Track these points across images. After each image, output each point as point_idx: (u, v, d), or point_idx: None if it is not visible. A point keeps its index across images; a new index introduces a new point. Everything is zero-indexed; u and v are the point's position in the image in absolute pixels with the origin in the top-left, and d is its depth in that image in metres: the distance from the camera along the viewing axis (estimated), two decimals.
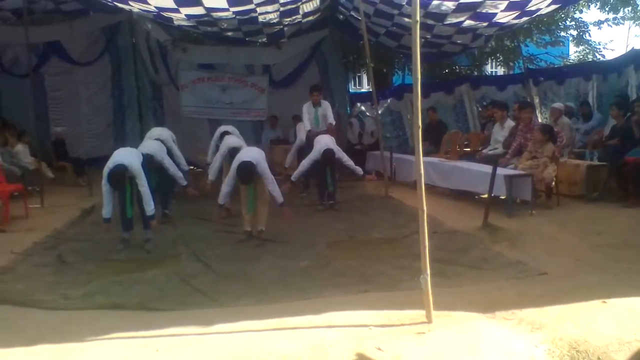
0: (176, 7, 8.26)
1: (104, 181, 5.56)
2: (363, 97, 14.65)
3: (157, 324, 3.77)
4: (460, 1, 8.05)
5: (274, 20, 9.83)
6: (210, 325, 3.68)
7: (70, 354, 3.35)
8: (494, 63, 17.94)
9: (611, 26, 14.83)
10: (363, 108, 13.85)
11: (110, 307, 4.23)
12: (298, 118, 11.02)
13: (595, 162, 8.00)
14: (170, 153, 7.17)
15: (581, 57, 17.73)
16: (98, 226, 6.72)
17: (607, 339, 3.33)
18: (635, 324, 3.49)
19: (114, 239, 6.00)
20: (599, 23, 14.87)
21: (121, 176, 5.56)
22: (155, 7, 8.48)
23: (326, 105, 8.59)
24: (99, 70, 11.59)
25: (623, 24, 15.12)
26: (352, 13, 10.26)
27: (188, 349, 3.33)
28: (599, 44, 15.81)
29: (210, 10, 8.55)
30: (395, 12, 9.07)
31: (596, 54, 15.69)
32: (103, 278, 4.91)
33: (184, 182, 6.88)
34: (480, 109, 12.26)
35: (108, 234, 5.87)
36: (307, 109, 8.61)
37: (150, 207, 5.72)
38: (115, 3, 8.61)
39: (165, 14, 9.01)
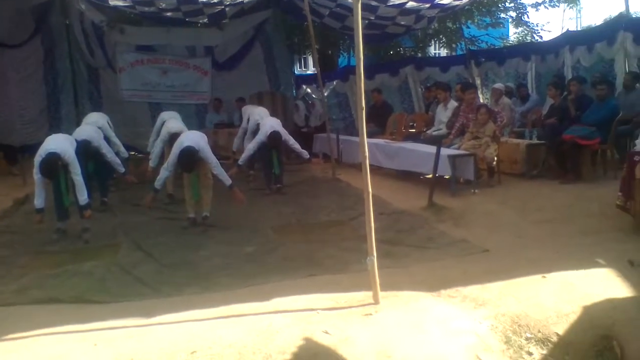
0: None
1: (36, 170, 5.27)
2: (309, 79, 14.54)
3: (96, 316, 3.62)
4: None
5: (215, 0, 9.54)
6: (152, 316, 3.56)
7: (2, 352, 3.16)
8: (437, 45, 18.20)
9: (547, 8, 15.28)
10: (309, 90, 13.75)
11: (45, 301, 4.03)
12: (242, 101, 10.85)
13: (535, 141, 8.23)
14: (108, 139, 6.88)
15: (520, 38, 18.24)
16: (32, 217, 6.37)
17: (547, 312, 3.44)
18: (573, 296, 3.62)
19: (49, 229, 5.71)
20: (536, 5, 15.26)
21: (54, 165, 5.27)
22: None
23: None
24: (29, 52, 10.88)
25: (558, 6, 15.59)
26: None
27: (128, 341, 3.20)
28: (537, 26, 16.27)
29: None
30: None
31: (534, 35, 16.13)
32: (37, 271, 4.65)
33: (122, 169, 6.63)
34: (424, 89, 12.40)
35: (41, 225, 5.56)
36: None
37: (83, 196, 5.46)
38: None
39: None
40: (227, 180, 5.85)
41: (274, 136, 7.24)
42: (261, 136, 7.33)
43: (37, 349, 3.18)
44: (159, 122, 7.77)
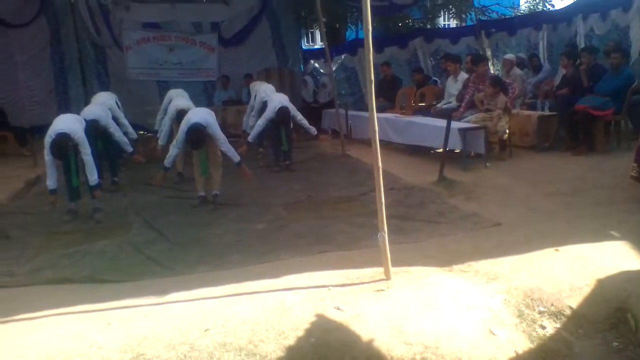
0: None
1: (46, 151, 5.28)
2: (316, 54, 14.38)
3: (110, 296, 3.65)
4: None
5: None
6: (165, 295, 3.58)
7: (19, 332, 3.20)
8: (446, 16, 17.87)
9: None
10: (317, 65, 13.62)
11: (59, 281, 4.07)
12: (250, 77, 10.77)
13: (546, 113, 8.11)
14: (116, 120, 6.86)
15: (531, 7, 17.86)
16: (44, 198, 6.42)
17: (560, 286, 3.42)
18: (586, 269, 3.59)
19: (61, 210, 5.73)
20: None
21: (64, 145, 5.28)
22: None
23: None
24: (34, 32, 10.85)
25: None
26: None
27: (142, 320, 3.23)
28: None
29: None
30: None
31: (546, 4, 15.82)
32: (50, 252, 4.70)
33: (130, 149, 6.62)
34: (433, 62, 12.23)
35: (55, 205, 5.59)
36: None
37: (93, 176, 5.47)
38: None
39: None
40: (236, 157, 5.82)
41: (283, 112, 7.18)
42: (269, 112, 7.28)
43: (51, 328, 3.21)
44: (166, 100, 7.73)
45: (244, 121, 8.80)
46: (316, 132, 7.72)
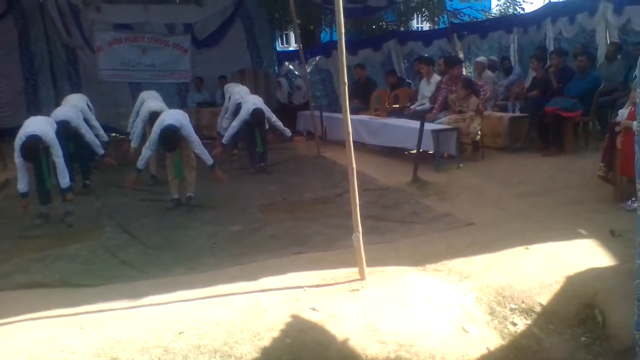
0: None
1: (17, 154, 5.18)
2: (291, 56, 14.39)
3: (82, 300, 3.60)
4: None
5: None
6: (140, 298, 3.54)
7: None
8: (419, 18, 18.08)
9: None
10: (291, 67, 13.62)
11: (30, 286, 4.01)
12: (224, 79, 10.72)
13: (517, 114, 8.27)
14: (87, 122, 6.76)
15: (502, 10, 18.17)
16: (14, 201, 6.28)
17: (531, 283, 3.50)
18: (556, 266, 3.67)
19: (32, 214, 5.63)
20: None
21: (35, 148, 5.19)
22: None
23: None
24: (2, 33, 10.62)
25: None
26: None
27: (116, 323, 3.19)
28: None
29: None
30: None
31: (516, 8, 16.11)
32: (21, 256, 4.61)
33: (102, 151, 6.52)
34: (406, 64, 12.36)
35: (27, 209, 5.48)
36: None
37: (64, 179, 5.39)
38: None
39: None
40: (209, 160, 5.80)
41: (257, 114, 7.17)
42: (244, 114, 7.26)
43: (23, 334, 3.15)
44: (138, 102, 7.65)
45: (218, 123, 8.75)
46: (290, 134, 7.72)
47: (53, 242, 4.99)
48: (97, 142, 6.53)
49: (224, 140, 7.34)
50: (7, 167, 8.15)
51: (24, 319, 3.35)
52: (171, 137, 5.51)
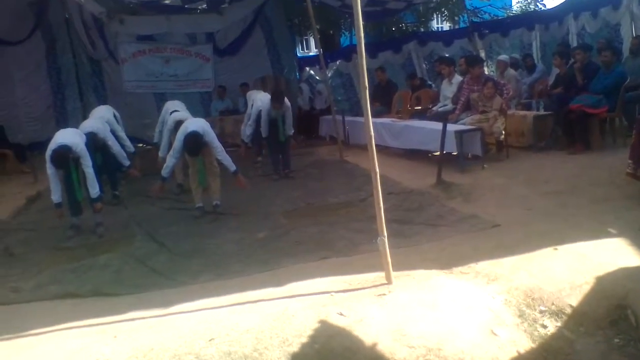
0: None
1: (48, 164, 5.32)
2: (312, 61, 14.44)
3: (114, 309, 3.69)
4: None
5: None
6: (169, 306, 3.62)
7: (26, 347, 3.23)
8: (439, 18, 17.96)
9: None
10: (312, 72, 13.68)
11: (63, 296, 4.10)
12: (246, 86, 10.82)
13: (542, 112, 8.17)
14: (114, 133, 6.90)
15: (523, 7, 17.95)
16: (46, 213, 6.49)
17: (560, 285, 3.45)
18: (585, 267, 3.63)
19: (64, 225, 5.76)
20: None
21: (65, 157, 5.33)
22: None
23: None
24: (31, 49, 10.89)
25: None
26: None
27: (147, 332, 3.25)
28: None
29: None
30: None
31: (537, 4, 15.92)
32: (54, 267, 4.73)
33: (127, 162, 6.62)
34: (427, 65, 12.32)
35: (62, 219, 5.60)
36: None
37: (94, 189, 5.51)
38: None
39: None
40: (232, 166, 5.87)
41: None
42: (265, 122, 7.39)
43: (58, 342, 3.24)
44: (164, 111, 7.77)
45: (241, 130, 8.83)
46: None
47: (85, 252, 5.11)
48: (124, 153, 6.65)
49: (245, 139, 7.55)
50: (37, 180, 8.36)
51: (58, 329, 3.45)
52: (195, 142, 5.61)
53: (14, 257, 5.11)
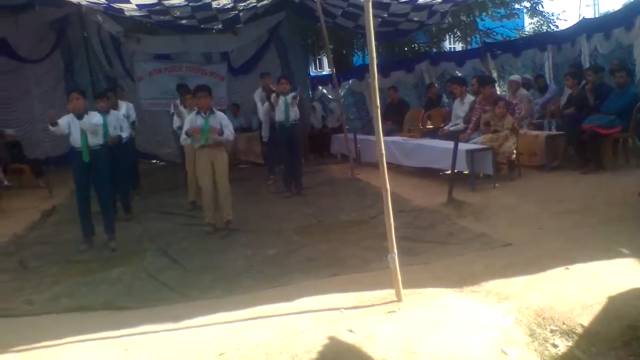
0: None
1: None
2: (324, 80, 14.58)
3: (126, 322, 3.71)
4: None
5: (228, 6, 9.64)
6: (180, 321, 3.64)
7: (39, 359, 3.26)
8: (451, 39, 18.06)
9: None
10: (325, 91, 13.80)
11: (76, 309, 4.14)
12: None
13: (554, 132, 8.16)
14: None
15: (536, 28, 18.01)
16: (61, 227, 6.59)
17: (571, 304, 3.43)
18: (597, 287, 3.60)
19: (77, 239, 5.84)
20: None
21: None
22: None
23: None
24: (50, 66, 11.19)
25: None
26: None
27: (158, 346, 3.28)
28: (552, 15, 16.08)
29: None
30: None
31: (550, 25, 15.95)
32: (68, 280, 4.79)
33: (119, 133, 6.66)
34: (439, 85, 12.38)
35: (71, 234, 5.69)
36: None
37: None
38: None
39: (116, 5, 8.72)
40: (231, 136, 6.29)
41: None
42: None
43: (70, 355, 3.28)
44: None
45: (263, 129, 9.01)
46: None
47: (97, 266, 5.17)
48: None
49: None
50: (52, 195, 8.49)
51: (71, 341, 3.48)
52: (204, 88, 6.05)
53: (28, 270, 5.18)
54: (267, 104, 7.77)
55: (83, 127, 5.51)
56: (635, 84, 7.79)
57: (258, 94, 8.65)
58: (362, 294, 3.80)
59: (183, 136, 6.35)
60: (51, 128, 5.49)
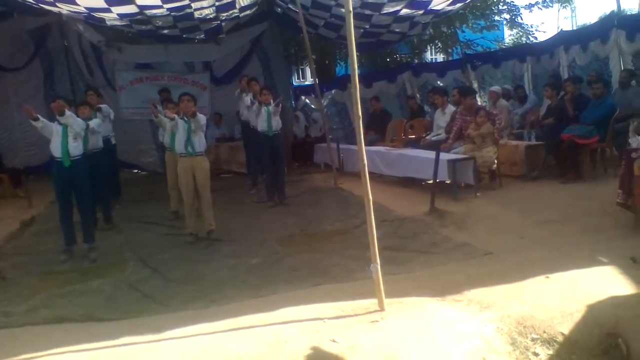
0: (107, 6, 7.96)
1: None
2: (307, 90, 14.63)
3: (106, 334, 3.66)
4: None
5: (211, 16, 9.64)
6: (162, 332, 3.60)
7: None
8: (433, 50, 18.29)
9: (541, 9, 15.38)
10: (308, 101, 13.84)
11: (55, 320, 4.07)
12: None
13: (533, 142, 8.28)
14: None
15: (515, 40, 18.32)
16: (40, 238, 6.48)
17: (552, 313, 3.47)
18: (577, 295, 3.65)
19: (57, 250, 5.76)
20: (529, 6, 15.38)
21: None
22: (85, 7, 8.15)
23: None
24: (29, 75, 11.03)
25: (552, 6, 15.70)
26: (290, 6, 10.19)
27: (140, 357, 3.25)
28: (531, 27, 16.38)
29: (143, 8, 8.29)
30: (333, 3, 9.07)
31: (529, 37, 16.24)
32: (46, 291, 4.71)
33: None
34: (421, 95, 12.51)
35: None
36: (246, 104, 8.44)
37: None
38: (42, 5, 8.22)
39: (97, 14, 8.69)
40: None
41: None
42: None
43: None
44: None
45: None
46: None
47: (77, 277, 5.09)
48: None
49: None
50: (32, 204, 8.36)
51: (50, 354, 3.42)
52: None
53: (6, 281, 5.07)
54: (257, 104, 7.71)
55: (65, 122, 5.45)
56: (612, 95, 7.95)
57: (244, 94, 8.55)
58: (345, 303, 3.80)
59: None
60: (33, 123, 5.44)
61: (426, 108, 11.60)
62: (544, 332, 3.32)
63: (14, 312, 4.27)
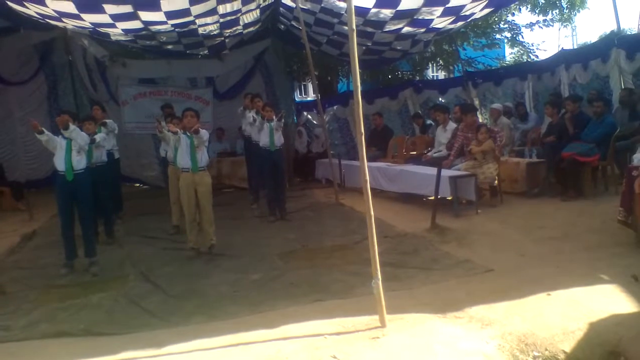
0: (112, 22, 8.05)
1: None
2: (309, 106, 14.70)
3: (106, 349, 3.65)
4: (397, 9, 8.22)
5: (215, 32, 9.74)
6: (162, 347, 3.59)
7: None
8: (434, 67, 18.38)
9: (542, 28, 15.42)
10: (310, 117, 13.90)
11: (55, 335, 4.05)
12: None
13: (534, 159, 8.31)
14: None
15: (516, 58, 18.41)
16: (41, 252, 6.48)
17: (553, 330, 3.46)
18: (579, 313, 3.64)
19: (57, 264, 5.75)
20: (530, 25, 15.47)
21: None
22: (91, 23, 8.24)
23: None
24: (33, 89, 11.16)
25: (552, 25, 15.79)
26: (293, 23, 10.31)
27: None
28: (532, 45, 16.47)
29: (147, 24, 8.38)
30: (335, 20, 9.17)
31: (530, 55, 16.33)
32: (47, 305, 4.69)
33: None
34: (422, 112, 12.57)
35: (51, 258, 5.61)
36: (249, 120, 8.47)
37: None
38: (48, 20, 8.31)
39: (102, 30, 8.78)
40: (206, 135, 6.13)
41: None
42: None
43: None
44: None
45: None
46: None
47: (78, 291, 5.07)
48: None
49: None
50: (33, 218, 8.38)
51: None
52: None
53: (6, 296, 5.05)
54: (259, 119, 7.75)
55: (69, 136, 5.47)
56: (613, 113, 7.99)
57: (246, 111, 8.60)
58: (346, 319, 3.79)
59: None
60: (38, 136, 5.44)
61: (428, 121, 11.65)
62: (546, 349, 3.30)
63: (13, 326, 4.26)
